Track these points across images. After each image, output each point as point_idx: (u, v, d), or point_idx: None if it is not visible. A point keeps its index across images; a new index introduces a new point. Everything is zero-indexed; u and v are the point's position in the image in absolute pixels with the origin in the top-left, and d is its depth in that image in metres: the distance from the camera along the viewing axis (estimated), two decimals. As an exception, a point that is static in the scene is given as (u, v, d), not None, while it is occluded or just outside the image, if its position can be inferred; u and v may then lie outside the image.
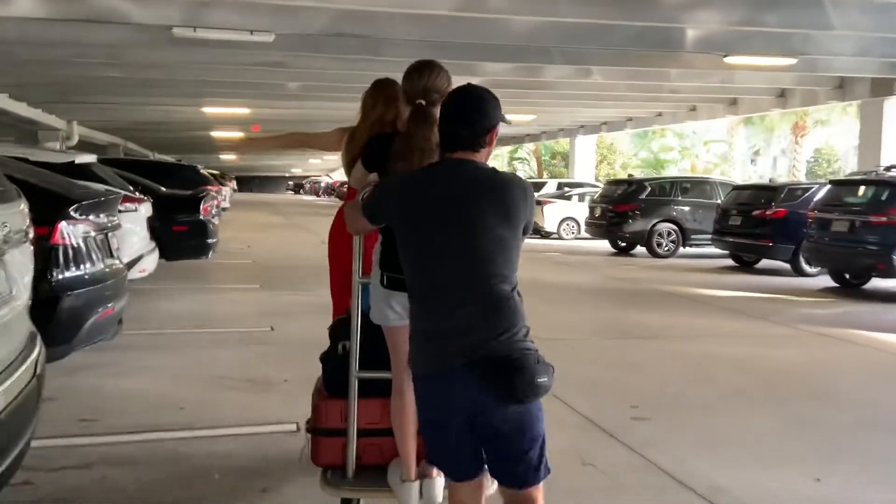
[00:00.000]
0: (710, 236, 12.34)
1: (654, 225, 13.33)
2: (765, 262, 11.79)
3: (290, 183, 68.99)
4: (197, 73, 12.14)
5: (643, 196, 13.59)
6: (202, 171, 14.17)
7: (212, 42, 9.27)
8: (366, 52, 10.03)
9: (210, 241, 8.37)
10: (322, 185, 56.61)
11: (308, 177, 65.71)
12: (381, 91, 3.21)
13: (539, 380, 1.97)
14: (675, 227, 13.31)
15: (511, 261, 2.08)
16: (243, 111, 16.84)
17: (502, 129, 2.28)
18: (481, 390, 1.99)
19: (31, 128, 18.09)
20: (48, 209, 3.85)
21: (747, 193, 11.72)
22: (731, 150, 23.94)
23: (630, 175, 16.58)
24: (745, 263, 12.02)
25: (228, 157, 45.17)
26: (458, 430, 2.08)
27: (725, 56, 9.81)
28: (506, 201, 2.09)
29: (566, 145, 28.60)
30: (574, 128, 23.41)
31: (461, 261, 2.06)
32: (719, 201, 12.58)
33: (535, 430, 2.05)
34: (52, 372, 3.97)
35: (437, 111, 2.31)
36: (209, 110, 16.75)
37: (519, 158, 34.58)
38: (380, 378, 2.76)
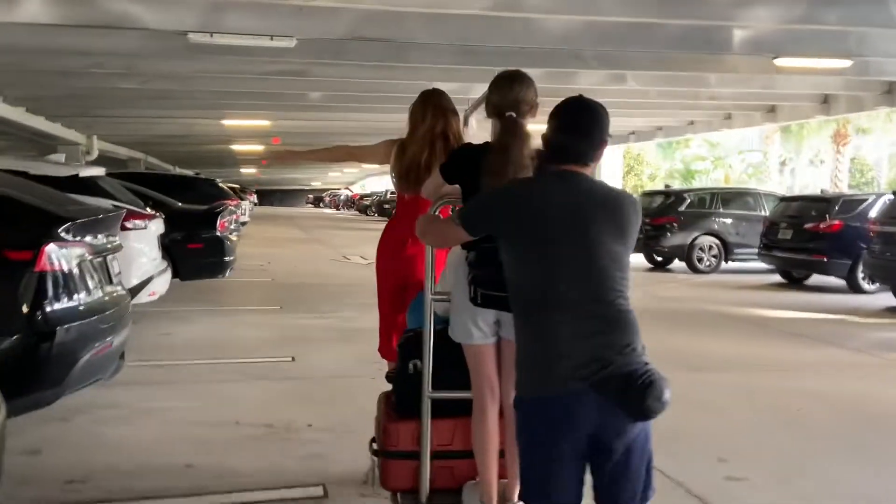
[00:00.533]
0: (755, 251, 11.62)
1: (695, 239, 12.65)
2: (815, 279, 11.06)
3: (310, 196, 68.97)
4: (215, 85, 11.68)
5: (682, 208, 12.93)
6: (220, 184, 13.71)
7: (229, 49, 8.79)
8: (390, 59, 9.51)
9: (227, 258, 7.86)
10: (342, 197, 56.39)
11: (328, 190, 65.59)
12: (429, 102, 3.24)
13: (665, 396, 1.92)
14: (717, 240, 12.62)
15: (626, 276, 2.06)
16: (263, 123, 16.40)
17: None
18: (607, 409, 1.94)
19: (51, 142, 17.78)
20: (33, 230, 3.33)
21: (797, 205, 11.01)
22: (766, 159, 23.11)
23: (667, 186, 15.79)
24: (793, 280, 11.28)
25: (249, 170, 45.02)
26: (570, 454, 2.01)
27: (775, 58, 9.13)
28: (621, 216, 2.06)
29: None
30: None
31: (582, 277, 2.01)
32: (764, 213, 11.86)
33: (649, 447, 2.05)
34: (40, 418, 3.45)
35: (527, 123, 2.39)
36: (229, 122, 16.33)
37: None
38: (454, 398, 2.73)
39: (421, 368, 2.76)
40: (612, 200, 2.09)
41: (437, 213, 2.76)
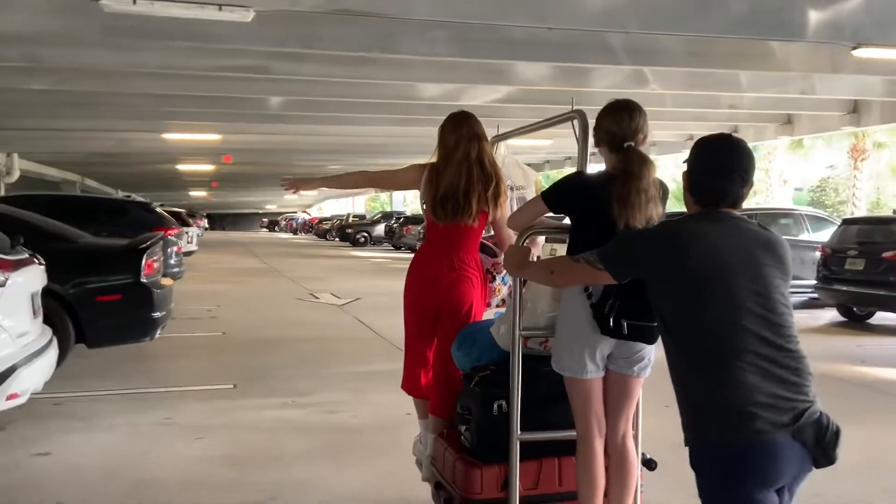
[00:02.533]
0: (799, 283, 9.82)
1: None
2: (881, 316, 9.33)
3: (265, 220, 66.67)
4: (152, 85, 9.47)
5: None
6: (157, 209, 11.38)
7: (161, 29, 6.68)
8: (373, 48, 7.47)
9: (156, 314, 5.53)
10: (299, 221, 54.24)
11: (283, 213, 63.32)
12: (461, 126, 3.14)
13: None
14: None
15: (793, 318, 2.00)
16: (212, 138, 14.18)
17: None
18: (805, 457, 1.90)
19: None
20: None
21: (867, 229, 9.23)
22: (767, 175, 21.74)
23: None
24: (855, 317, 9.50)
25: (199, 193, 42.52)
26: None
27: (855, 48, 7.38)
28: (782, 257, 2.03)
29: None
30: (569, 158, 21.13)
31: (764, 321, 1.94)
32: (808, 237, 10.10)
33: None
34: None
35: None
36: (171, 137, 14.05)
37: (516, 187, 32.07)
38: (548, 439, 2.70)
39: (507, 409, 2.67)
40: (772, 242, 2.04)
41: (525, 244, 2.71)
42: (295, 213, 61.79)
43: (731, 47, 8.27)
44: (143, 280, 5.39)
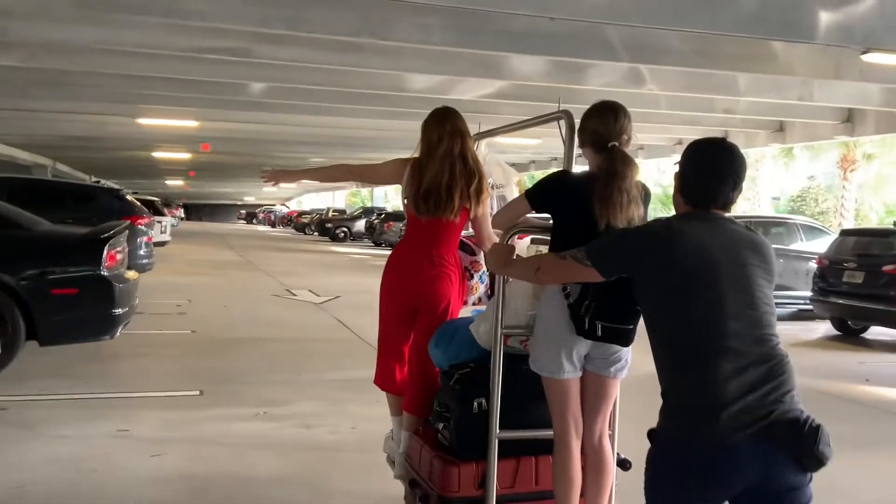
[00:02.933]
0: (794, 294, 9.57)
1: None
2: (876, 330, 9.09)
3: (243, 212, 65.78)
4: (126, 65, 8.95)
5: None
6: (127, 197, 10.82)
7: (138, 5, 6.27)
8: (363, 32, 7.06)
9: (118, 311, 5.01)
10: (277, 214, 53.54)
11: (262, 206, 62.55)
12: (444, 122, 3.12)
13: (830, 443, 1.85)
14: None
15: (775, 318, 2.02)
16: (189, 124, 13.64)
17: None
18: (774, 458, 1.86)
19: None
20: None
21: (867, 241, 8.95)
22: (754, 184, 21.57)
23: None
24: (849, 331, 9.24)
25: (176, 182, 41.70)
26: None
27: (864, 52, 7.11)
28: (768, 259, 2.05)
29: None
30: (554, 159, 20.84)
31: (746, 322, 1.95)
32: (801, 246, 9.82)
33: (810, 492, 1.92)
34: None
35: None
36: (146, 122, 13.49)
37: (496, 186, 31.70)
38: (528, 438, 2.70)
39: (486, 407, 2.68)
40: (758, 243, 2.06)
41: (508, 242, 2.70)
42: (273, 205, 61.03)
43: (735, 48, 7.98)
44: (104, 273, 4.90)
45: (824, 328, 9.64)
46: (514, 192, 3.63)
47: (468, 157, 3.11)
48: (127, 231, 5.57)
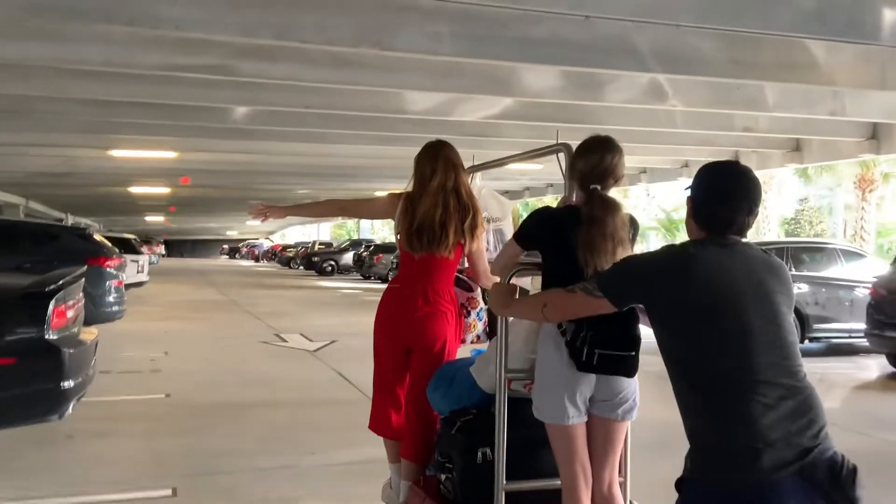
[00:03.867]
0: (843, 327, 8.66)
1: None
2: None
3: (225, 247, 64.79)
4: (90, 90, 8.00)
5: None
6: (94, 235, 9.74)
7: (100, 9, 5.35)
8: (363, 42, 6.16)
9: (66, 384, 3.90)
10: (261, 248, 52.49)
11: (245, 240, 61.50)
12: (436, 156, 3.08)
13: (863, 485, 1.79)
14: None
15: (799, 349, 1.93)
16: (167, 155, 12.64)
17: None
18: (812, 499, 1.76)
19: None
20: None
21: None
22: (763, 208, 20.92)
23: None
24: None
25: (156, 218, 40.57)
26: None
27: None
28: (788, 284, 1.98)
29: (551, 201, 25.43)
30: (544, 185, 20.11)
31: (775, 352, 1.85)
32: (844, 274, 8.91)
33: None
34: None
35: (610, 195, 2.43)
36: (121, 154, 12.49)
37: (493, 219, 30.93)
38: (533, 489, 2.57)
39: (491, 457, 2.55)
40: (776, 268, 1.99)
41: (509, 282, 2.56)
42: (257, 239, 59.99)
43: (774, 55, 7.18)
44: (50, 336, 3.82)
45: (877, 364, 8.73)
46: (510, 226, 3.61)
47: (462, 191, 3.05)
48: (82, 279, 4.54)
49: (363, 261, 25.64)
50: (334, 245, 32.67)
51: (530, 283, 2.90)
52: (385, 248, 25.00)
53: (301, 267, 34.12)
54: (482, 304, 3.30)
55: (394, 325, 3.05)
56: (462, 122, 10.49)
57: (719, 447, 1.82)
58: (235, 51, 6.67)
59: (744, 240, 1.98)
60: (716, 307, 1.85)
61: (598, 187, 2.41)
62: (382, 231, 41.16)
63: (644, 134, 11.57)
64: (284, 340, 9.88)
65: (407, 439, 3.06)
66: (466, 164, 3.30)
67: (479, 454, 2.58)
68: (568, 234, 2.39)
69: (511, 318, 2.54)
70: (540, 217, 2.58)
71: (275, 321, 12.01)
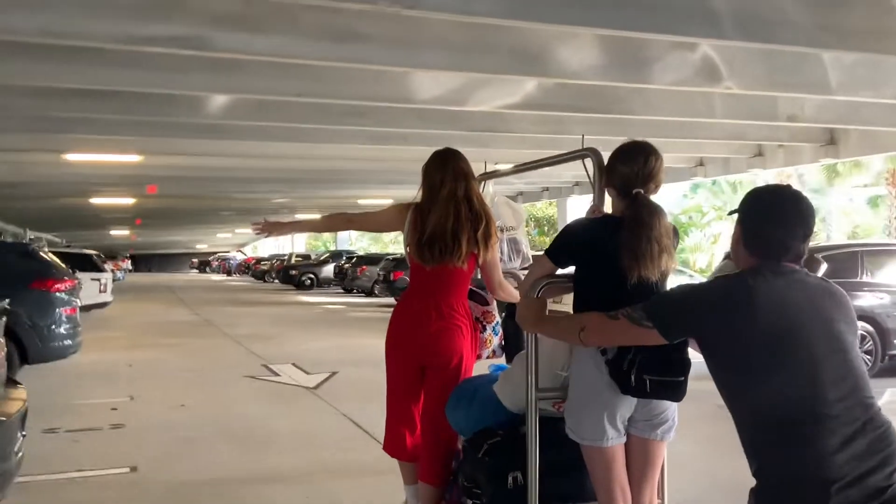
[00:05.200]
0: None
1: None
2: None
3: (195, 261, 62.79)
4: (30, 75, 6.48)
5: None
6: (41, 252, 8.12)
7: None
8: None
9: None
10: (233, 262, 50.64)
11: (215, 253, 59.55)
12: (446, 164, 3.03)
13: None
14: (869, 327, 7.97)
15: (869, 379, 1.85)
16: (130, 159, 11.08)
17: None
18: None
19: None
20: None
21: None
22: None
23: (727, 255, 10.99)
24: None
25: (122, 232, 38.58)
26: None
27: None
28: (850, 312, 1.91)
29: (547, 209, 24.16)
30: (567, 185, 18.82)
31: (846, 384, 1.78)
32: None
33: None
34: None
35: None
36: (77, 158, 10.89)
37: (507, 228, 29.49)
38: None
39: (522, 482, 2.46)
40: (837, 295, 1.91)
41: (537, 295, 2.45)
42: (228, 252, 58.09)
43: (867, 21, 5.95)
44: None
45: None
46: (524, 234, 3.57)
47: (474, 199, 3.01)
48: (2, 316, 3.08)
49: (345, 273, 24.11)
50: (313, 257, 31.03)
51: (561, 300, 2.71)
52: (369, 260, 23.52)
53: (276, 280, 32.50)
54: (498, 318, 3.24)
55: (406, 341, 2.97)
56: (472, 114, 9.18)
57: (788, 483, 1.73)
58: (210, 18, 5.25)
59: (798, 267, 1.90)
60: (780, 340, 1.77)
61: (642, 191, 2.35)
62: (361, 241, 39.63)
63: (673, 126, 10.36)
64: (275, 374, 8.30)
65: (425, 462, 2.98)
66: (480, 171, 3.22)
67: (510, 479, 2.50)
68: (607, 244, 2.30)
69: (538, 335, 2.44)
70: (576, 230, 2.47)
71: (259, 346, 10.46)
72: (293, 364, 8.77)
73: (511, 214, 3.50)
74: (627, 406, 2.31)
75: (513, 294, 3.07)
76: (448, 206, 2.92)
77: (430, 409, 2.96)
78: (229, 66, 6.59)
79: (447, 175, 2.96)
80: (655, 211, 2.32)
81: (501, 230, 3.31)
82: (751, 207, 1.94)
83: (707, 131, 10.88)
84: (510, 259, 3.48)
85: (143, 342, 11.19)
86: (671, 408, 2.39)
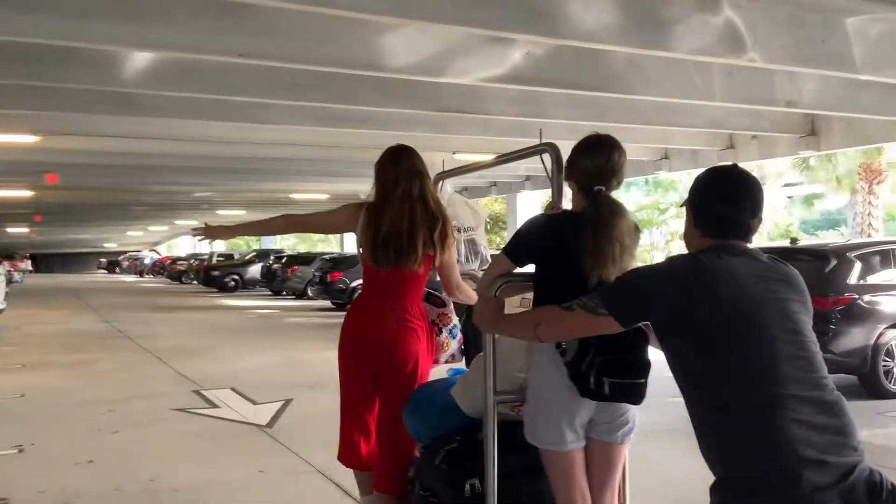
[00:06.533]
0: None
1: (880, 336, 6.77)
2: None
3: (103, 260, 59.14)
4: None
5: (850, 279, 6.92)
6: None
7: None
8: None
9: None
10: (146, 262, 47.50)
11: (125, 252, 56.00)
12: (400, 162, 2.96)
13: None
14: None
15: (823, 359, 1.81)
16: (23, 140, 9.15)
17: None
18: None
19: None
20: None
21: None
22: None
23: (794, 239, 9.57)
24: None
25: (19, 230, 35.24)
26: None
27: None
28: (804, 292, 1.89)
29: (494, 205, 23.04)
30: (517, 180, 17.72)
31: (801, 364, 1.75)
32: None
33: None
34: None
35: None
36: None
37: (465, 228, 27.92)
38: None
39: (480, 489, 2.43)
40: (790, 276, 1.89)
41: (495, 295, 2.37)
42: (140, 252, 54.68)
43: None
44: None
45: None
46: (484, 235, 3.54)
47: (429, 199, 2.94)
48: None
49: (274, 274, 22.26)
50: (237, 257, 28.86)
51: (519, 303, 2.65)
52: (301, 259, 21.81)
53: (195, 281, 30.21)
54: (455, 321, 3.18)
55: (360, 346, 2.92)
56: (443, 90, 7.93)
57: (751, 471, 1.68)
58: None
59: (750, 247, 1.89)
60: (736, 319, 1.75)
61: (603, 189, 2.29)
62: (287, 240, 37.56)
63: (662, 109, 9.37)
64: (212, 404, 6.60)
65: (381, 470, 2.91)
66: (439, 169, 3.28)
67: (468, 486, 2.46)
68: (567, 243, 2.24)
69: (497, 335, 2.40)
70: (535, 228, 2.38)
71: (187, 365, 8.74)
72: (233, 389, 7.10)
73: (470, 215, 3.47)
74: (587, 409, 2.27)
75: (471, 296, 2.95)
76: (403, 206, 2.86)
77: (385, 416, 2.92)
78: (151, 10, 5.05)
79: (401, 173, 2.89)
80: (618, 210, 2.28)
81: (459, 231, 3.27)
82: (698, 188, 1.95)
83: (680, 118, 9.92)
84: (468, 260, 3.44)
85: (40, 361, 9.26)
86: (632, 410, 2.36)
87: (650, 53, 6.57)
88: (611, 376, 2.16)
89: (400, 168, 2.90)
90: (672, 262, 1.98)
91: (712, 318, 1.74)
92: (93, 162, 11.82)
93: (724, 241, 1.85)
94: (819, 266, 6.83)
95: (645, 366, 2.23)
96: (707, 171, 1.99)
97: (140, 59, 6.35)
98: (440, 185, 3.43)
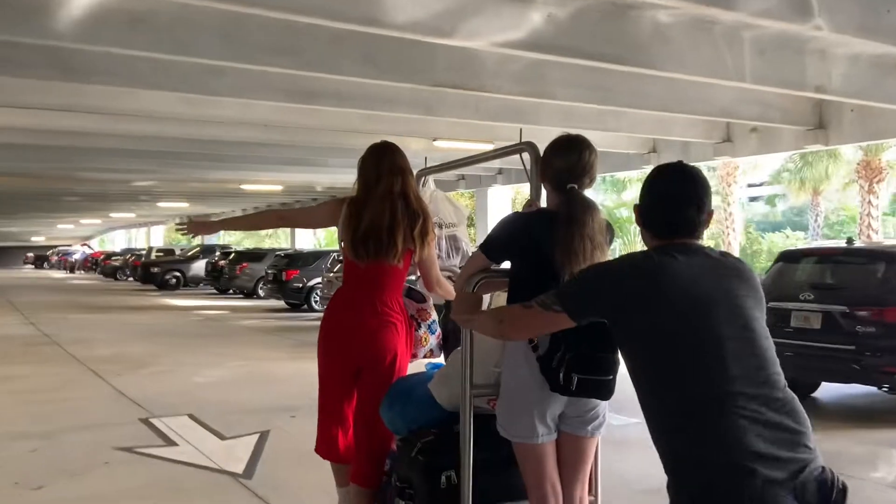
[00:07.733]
0: None
1: None
2: None
3: (30, 255, 55.87)
4: None
5: None
6: None
7: None
8: None
9: None
10: (76, 257, 44.81)
11: (54, 247, 52.93)
12: (382, 159, 3.00)
13: None
14: None
15: (775, 354, 1.81)
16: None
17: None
18: None
19: None
20: None
21: None
22: (724, 201, 18.32)
23: (850, 239, 8.60)
24: None
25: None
26: None
27: None
28: (756, 287, 1.88)
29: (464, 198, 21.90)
30: (488, 174, 16.67)
31: (751, 362, 1.75)
32: None
33: None
34: None
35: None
36: None
37: (447, 225, 26.67)
38: None
39: (456, 481, 2.45)
40: (742, 271, 1.89)
41: (474, 291, 2.44)
42: (70, 246, 51.69)
43: None
44: None
45: None
46: (465, 231, 3.61)
47: (410, 195, 2.97)
48: None
49: (221, 271, 20.66)
50: (178, 252, 26.94)
51: (489, 299, 2.66)
52: (251, 256, 20.29)
53: (131, 278, 28.23)
54: (434, 317, 3.20)
55: (339, 340, 2.93)
56: (441, 59, 6.84)
57: (704, 470, 1.69)
58: None
59: (700, 244, 1.90)
60: (687, 315, 1.77)
61: (576, 187, 2.35)
62: (230, 238, 35.67)
63: (669, 90, 8.47)
64: (168, 441, 5.16)
65: (358, 463, 2.93)
66: (414, 157, 3.13)
67: (443, 478, 2.49)
68: (541, 240, 2.29)
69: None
70: (511, 225, 2.45)
71: (130, 381, 7.31)
72: (191, 417, 5.66)
73: (452, 211, 3.54)
74: (558, 403, 2.31)
75: (450, 291, 2.98)
76: (384, 202, 2.90)
77: (363, 409, 2.92)
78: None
79: (383, 170, 2.93)
80: (589, 207, 2.31)
81: (440, 227, 3.33)
82: (644, 190, 1.95)
83: (683, 103, 9.02)
84: (449, 256, 3.48)
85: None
86: (602, 405, 2.37)
87: (708, 13, 5.60)
88: (580, 372, 2.21)
89: (382, 165, 2.94)
90: (625, 259, 1.96)
91: (663, 314, 1.74)
92: (18, 141, 10.23)
93: (675, 239, 1.86)
94: (860, 264, 5.91)
95: (613, 363, 2.23)
96: (652, 171, 1.98)
97: (77, 5, 5.01)
98: (423, 180, 3.47)
